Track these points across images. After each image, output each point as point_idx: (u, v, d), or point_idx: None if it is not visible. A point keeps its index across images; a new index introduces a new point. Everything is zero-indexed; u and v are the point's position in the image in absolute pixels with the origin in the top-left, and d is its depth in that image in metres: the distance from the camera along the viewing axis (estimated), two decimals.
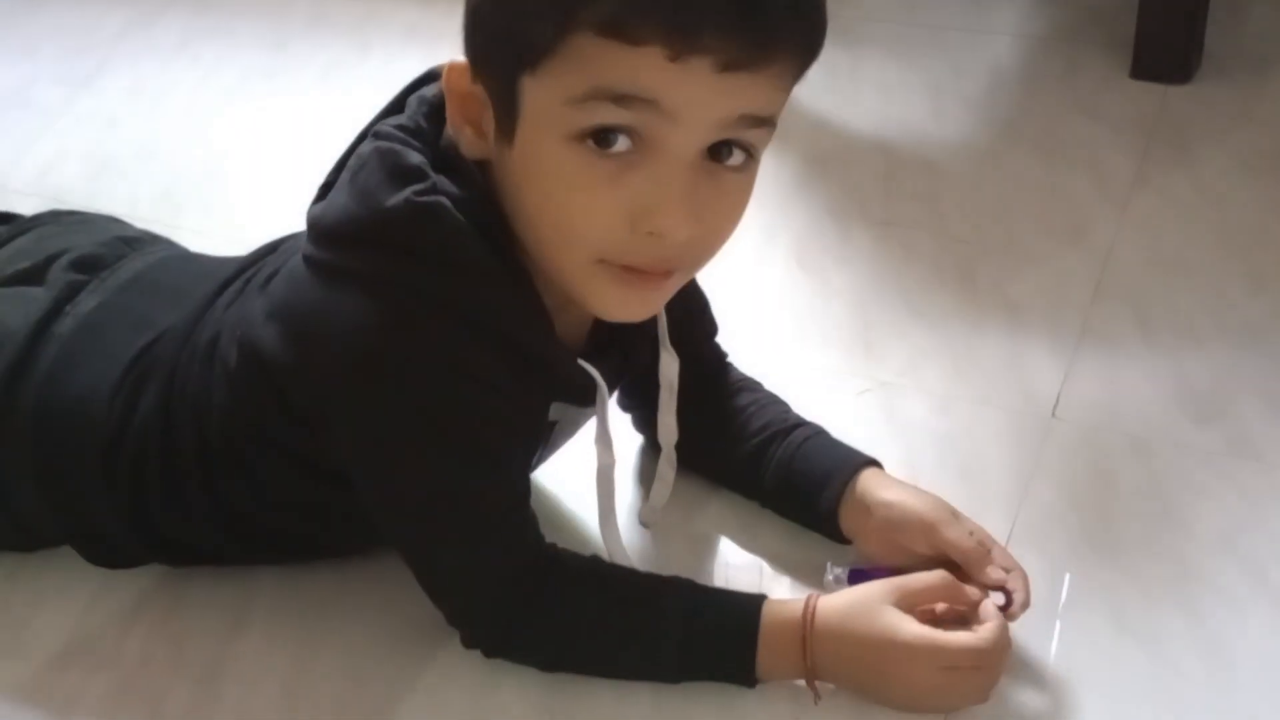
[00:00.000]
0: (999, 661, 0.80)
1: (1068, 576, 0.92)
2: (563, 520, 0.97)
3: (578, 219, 0.74)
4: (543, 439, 0.88)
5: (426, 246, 0.76)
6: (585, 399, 0.85)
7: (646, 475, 1.00)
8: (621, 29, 0.68)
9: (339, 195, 0.79)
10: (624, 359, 0.88)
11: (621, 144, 0.71)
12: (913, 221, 1.33)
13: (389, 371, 0.76)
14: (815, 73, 0.75)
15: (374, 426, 0.78)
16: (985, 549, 0.85)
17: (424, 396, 0.77)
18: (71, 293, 0.93)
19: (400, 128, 0.79)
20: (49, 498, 0.89)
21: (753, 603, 0.82)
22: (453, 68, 0.77)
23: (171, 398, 0.86)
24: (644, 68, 0.69)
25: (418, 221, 0.75)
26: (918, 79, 1.58)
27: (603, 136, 0.71)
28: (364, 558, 0.93)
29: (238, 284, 0.89)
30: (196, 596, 0.92)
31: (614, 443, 0.88)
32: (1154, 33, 1.54)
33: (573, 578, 0.84)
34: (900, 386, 1.12)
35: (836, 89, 1.53)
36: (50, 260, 0.96)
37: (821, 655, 0.80)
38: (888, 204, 1.36)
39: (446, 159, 0.79)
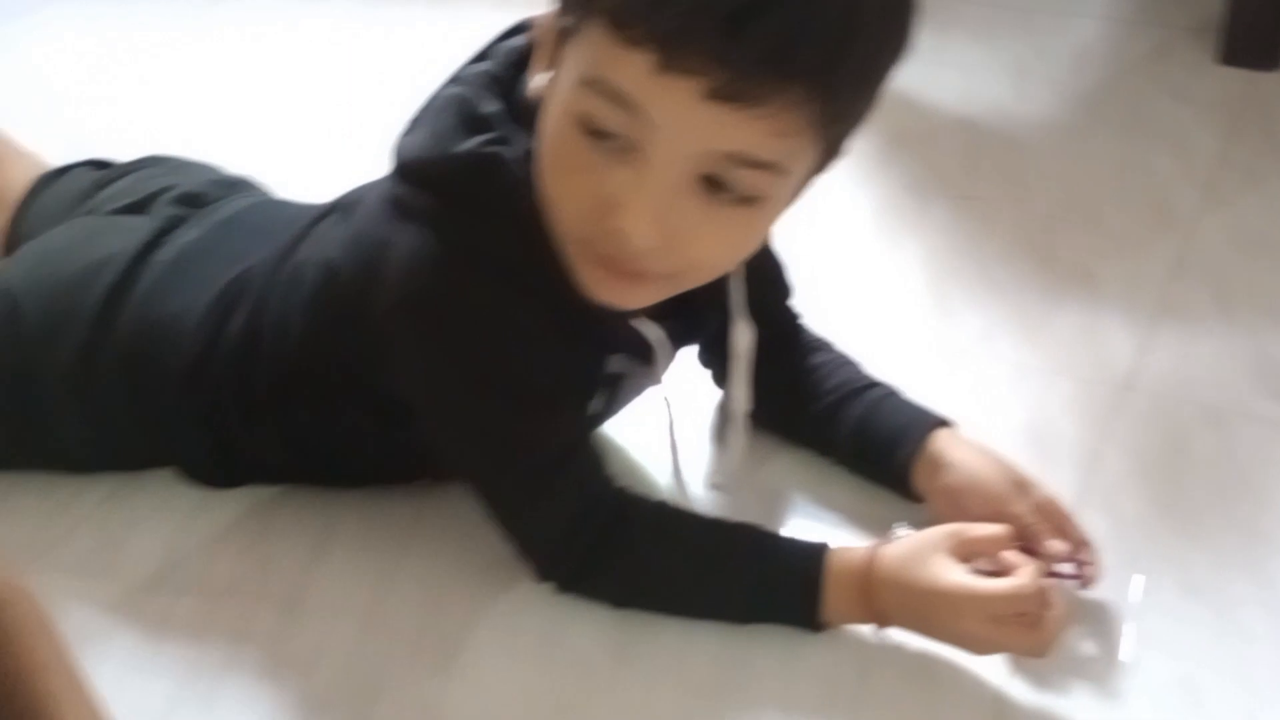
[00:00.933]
0: (1041, 611, 0.78)
1: (1137, 539, 0.92)
2: (633, 472, 0.98)
3: (559, 196, 0.75)
4: (605, 390, 0.89)
5: (485, 197, 0.78)
6: (646, 358, 0.86)
7: (724, 432, 1.01)
8: (623, 25, 0.68)
9: (417, 134, 0.82)
10: (691, 323, 0.89)
11: (611, 142, 0.71)
12: (993, 197, 1.33)
13: (436, 310, 0.79)
14: None
15: (423, 362, 0.81)
16: (1046, 524, 0.85)
17: (467, 337, 0.79)
18: (173, 224, 0.97)
19: (482, 75, 0.82)
20: (142, 416, 0.93)
21: (817, 548, 0.84)
22: (549, 15, 0.79)
23: (256, 323, 0.89)
24: (636, 71, 0.68)
25: (479, 172, 0.78)
26: (1002, 60, 1.58)
27: (596, 130, 0.71)
28: (442, 490, 0.96)
29: (330, 219, 0.92)
30: (282, 524, 0.96)
31: (675, 402, 0.90)
32: (1243, 20, 1.53)
33: (643, 519, 0.86)
34: (975, 354, 1.12)
35: (919, 68, 1.52)
36: (154, 196, 1.01)
37: (885, 603, 0.81)
38: (968, 180, 1.37)
39: (524, 111, 0.80)
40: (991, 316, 1.17)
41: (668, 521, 0.87)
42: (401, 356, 0.82)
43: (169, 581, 0.92)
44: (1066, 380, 1.09)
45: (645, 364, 0.87)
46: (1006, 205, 1.32)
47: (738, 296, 0.90)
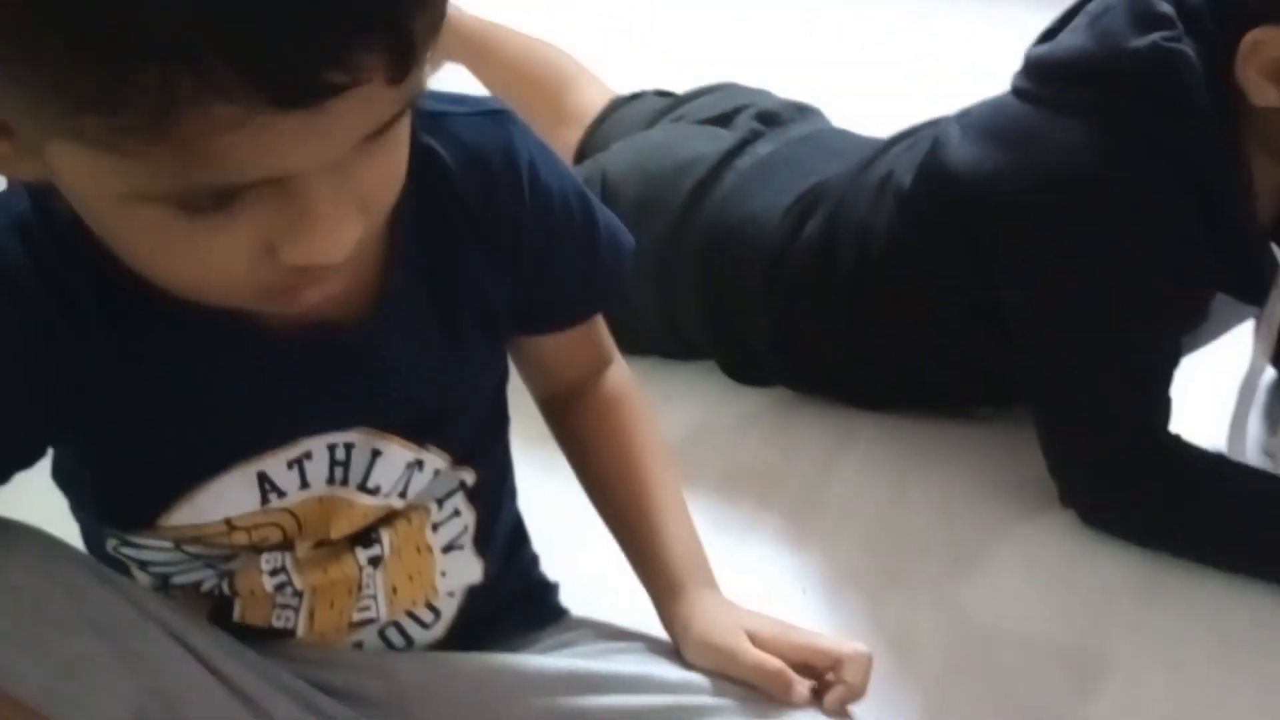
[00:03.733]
0: None
1: None
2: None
3: None
4: (1191, 328, 0.87)
5: (1162, 90, 0.77)
6: (1250, 295, 0.83)
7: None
8: None
9: (1072, 37, 0.83)
10: None
11: None
12: None
13: (1085, 195, 0.79)
14: None
15: (1050, 246, 0.81)
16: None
17: (1111, 228, 0.79)
18: (753, 137, 1.04)
19: None
20: (708, 307, 1.00)
21: None
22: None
23: (837, 223, 0.94)
24: None
25: (1160, 65, 0.77)
26: None
27: None
28: (964, 419, 0.98)
29: (907, 141, 0.96)
30: (803, 421, 1.00)
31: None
32: None
33: (1189, 467, 0.84)
34: None
35: None
36: (736, 111, 1.09)
37: None
38: None
39: (1193, 20, 0.78)
40: None
41: (1217, 474, 0.84)
42: (1024, 239, 0.82)
43: (698, 448, 0.98)
44: None
45: (1249, 302, 0.84)
46: None
47: None
